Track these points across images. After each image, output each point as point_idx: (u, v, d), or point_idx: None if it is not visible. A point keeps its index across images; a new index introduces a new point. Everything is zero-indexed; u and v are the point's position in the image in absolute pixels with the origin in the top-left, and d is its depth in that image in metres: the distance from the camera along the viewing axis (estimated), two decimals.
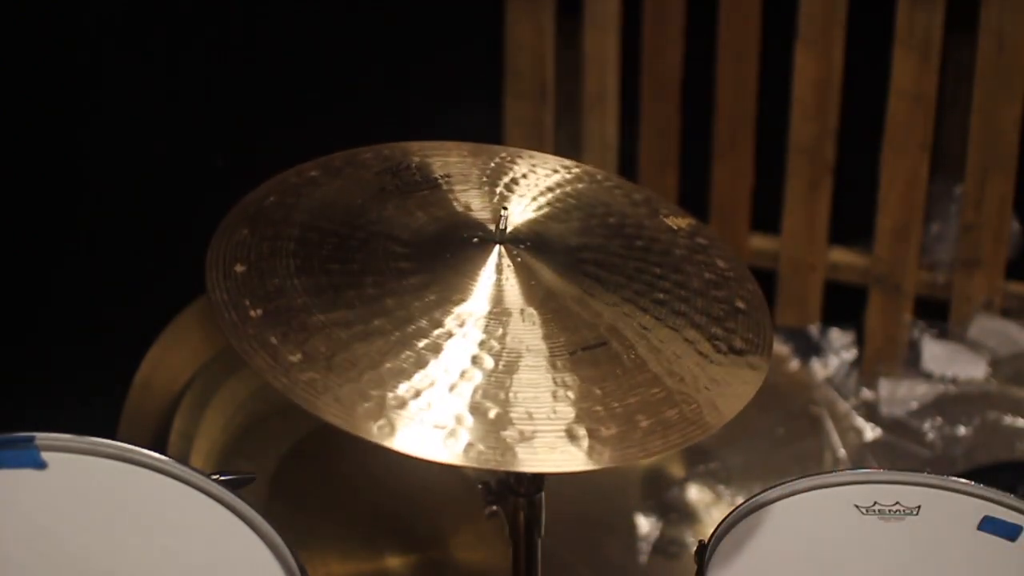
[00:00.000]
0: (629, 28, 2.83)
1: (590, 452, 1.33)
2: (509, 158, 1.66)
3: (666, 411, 1.38)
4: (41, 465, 1.42)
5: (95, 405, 1.99)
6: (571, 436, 1.34)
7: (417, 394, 1.34)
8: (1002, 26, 2.60)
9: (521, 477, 1.50)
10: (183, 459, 1.79)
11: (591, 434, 1.34)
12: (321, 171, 1.59)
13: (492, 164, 1.64)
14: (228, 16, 2.60)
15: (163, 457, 1.46)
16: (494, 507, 1.51)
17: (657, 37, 2.82)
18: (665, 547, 2.44)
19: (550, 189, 1.62)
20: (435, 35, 2.81)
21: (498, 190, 1.59)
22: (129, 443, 1.46)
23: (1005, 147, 2.66)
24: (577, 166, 1.68)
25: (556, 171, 1.65)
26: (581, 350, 1.41)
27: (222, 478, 1.45)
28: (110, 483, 1.43)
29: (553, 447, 1.33)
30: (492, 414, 1.34)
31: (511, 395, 1.36)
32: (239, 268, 1.43)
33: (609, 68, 2.86)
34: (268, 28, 2.68)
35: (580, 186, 1.64)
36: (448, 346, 1.39)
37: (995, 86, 2.64)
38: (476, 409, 1.34)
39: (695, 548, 1.49)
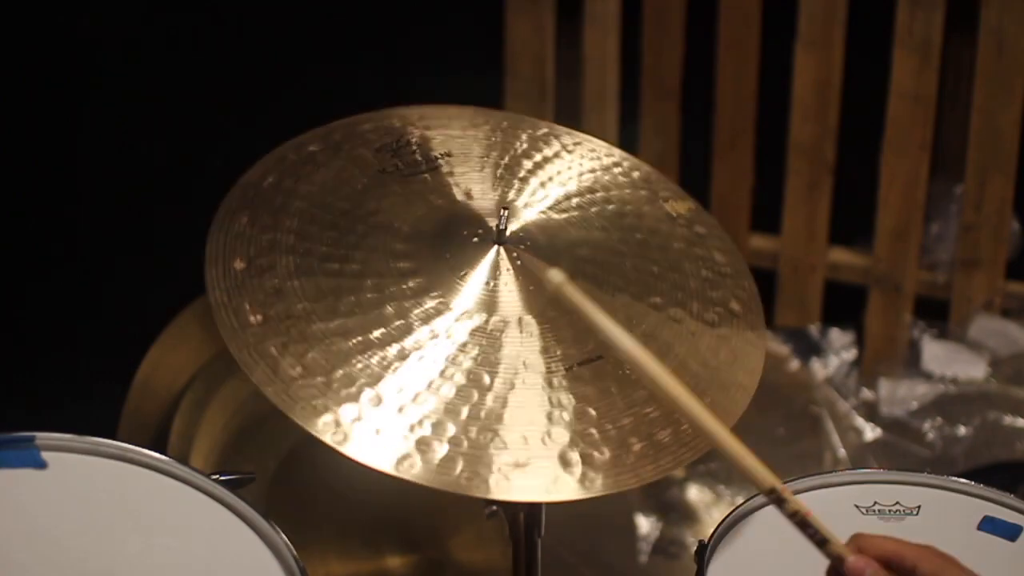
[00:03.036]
0: (629, 28, 2.83)
1: (582, 480, 1.33)
2: (510, 129, 1.63)
3: (659, 432, 1.38)
4: (41, 465, 1.42)
5: (95, 405, 1.99)
6: (564, 463, 1.33)
7: (415, 415, 1.33)
8: (1002, 26, 2.60)
9: None
10: (183, 459, 1.79)
11: (584, 460, 1.34)
12: (320, 145, 1.57)
13: (493, 138, 1.60)
14: (226, 22, 2.60)
15: (163, 457, 1.46)
16: (494, 507, 1.51)
17: (657, 37, 2.82)
18: (665, 547, 2.44)
19: (550, 172, 1.59)
20: (435, 35, 2.81)
21: (499, 171, 1.57)
22: (129, 443, 1.46)
23: (1005, 147, 2.66)
24: (579, 139, 1.65)
25: (557, 140, 1.63)
26: (577, 365, 1.40)
27: (222, 478, 1.45)
28: (110, 483, 1.43)
29: (546, 474, 1.32)
30: (487, 438, 1.33)
31: (507, 416, 1.35)
32: (239, 265, 1.42)
33: (609, 68, 2.86)
34: (268, 27, 2.68)
35: (582, 166, 1.61)
36: (446, 362, 1.38)
37: (995, 86, 2.64)
38: (471, 433, 1.33)
39: (695, 548, 1.49)
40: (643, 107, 2.88)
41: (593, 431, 1.36)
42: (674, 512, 2.48)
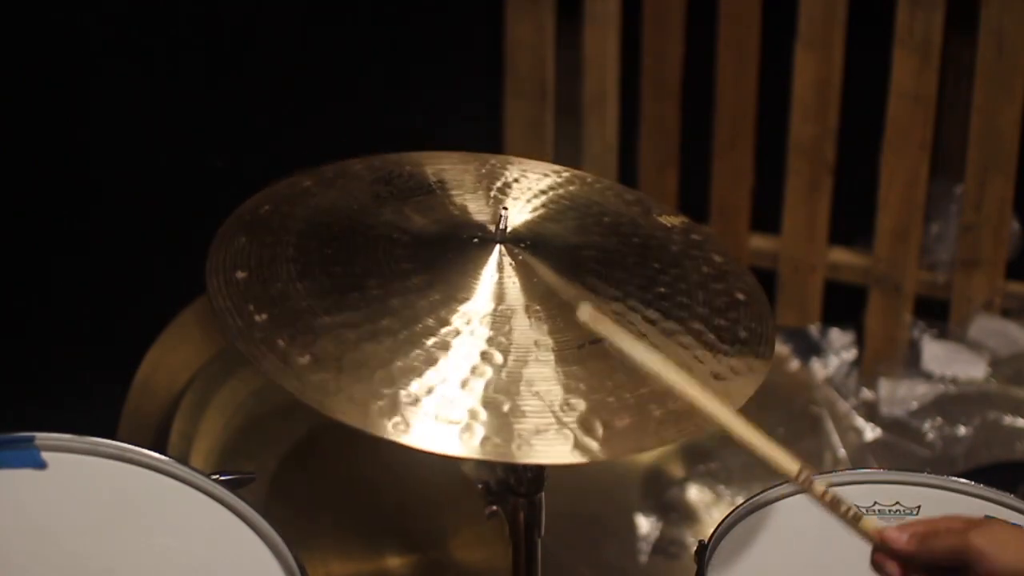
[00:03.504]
0: (629, 28, 2.83)
1: (605, 442, 1.33)
2: (499, 164, 1.66)
3: (677, 401, 1.38)
4: (41, 465, 1.42)
5: (95, 405, 1.99)
6: (586, 428, 1.34)
7: (430, 391, 1.34)
8: (1002, 26, 2.60)
9: (521, 477, 1.50)
10: (183, 459, 1.79)
11: (606, 425, 1.34)
12: (314, 180, 1.59)
13: (483, 170, 1.64)
14: (227, 23, 2.60)
15: (163, 457, 1.46)
16: (494, 507, 1.51)
17: (657, 37, 2.82)
18: (665, 547, 2.44)
19: (543, 192, 1.62)
20: (435, 35, 2.81)
21: (492, 194, 1.60)
22: (129, 443, 1.46)
23: (1005, 147, 2.66)
24: (567, 170, 1.68)
25: (547, 175, 1.66)
26: (589, 343, 1.41)
27: (222, 478, 1.45)
28: (110, 483, 1.43)
29: (568, 439, 1.33)
30: (506, 408, 1.34)
31: (523, 388, 1.36)
32: (240, 275, 1.43)
33: (609, 68, 2.86)
34: (268, 27, 2.68)
35: (572, 188, 1.64)
36: (456, 343, 1.39)
37: (995, 86, 2.64)
38: (489, 403, 1.34)
39: (695, 548, 1.49)
40: (643, 107, 2.88)
41: (612, 399, 1.36)
42: (674, 512, 2.48)
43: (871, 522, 1.24)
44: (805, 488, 1.26)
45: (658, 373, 1.28)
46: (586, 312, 1.30)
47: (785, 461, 1.26)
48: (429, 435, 1.31)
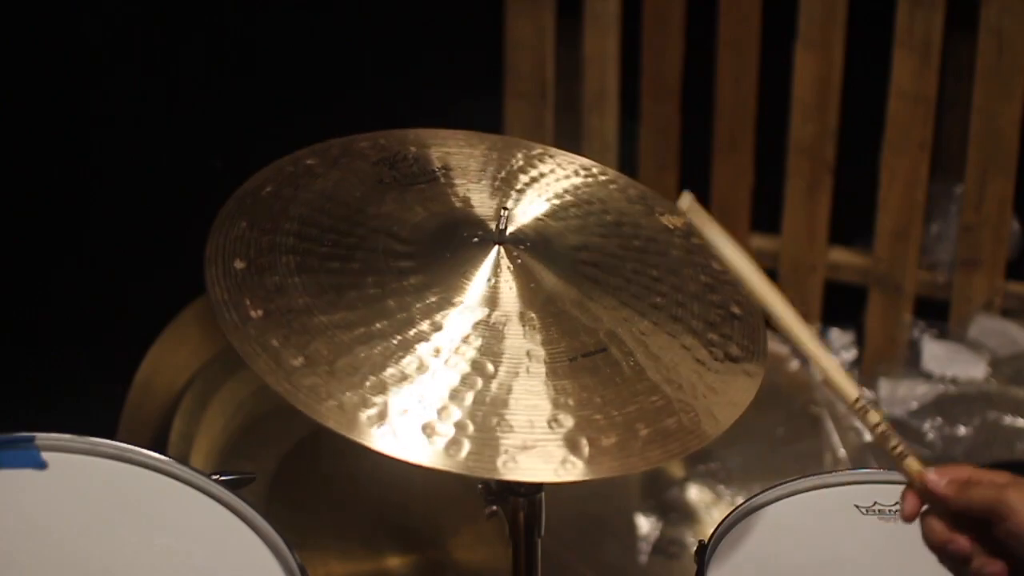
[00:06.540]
0: (629, 28, 2.83)
1: (590, 462, 1.33)
2: (506, 149, 1.65)
3: (665, 420, 1.38)
4: (41, 465, 1.42)
5: (95, 405, 1.99)
6: (572, 446, 1.34)
7: (419, 400, 1.34)
8: (1002, 26, 2.60)
9: None
10: (183, 459, 1.79)
11: (592, 443, 1.34)
12: (318, 159, 1.58)
13: (490, 155, 1.63)
14: (227, 25, 2.60)
15: (163, 457, 1.46)
16: (494, 507, 1.51)
17: (657, 37, 2.82)
18: (665, 547, 2.44)
19: (548, 185, 1.61)
20: (435, 35, 2.81)
21: (496, 183, 1.58)
22: (129, 443, 1.46)
23: (1005, 147, 2.66)
24: (575, 159, 1.66)
25: (552, 159, 1.64)
26: (581, 356, 1.41)
27: (222, 478, 1.45)
28: (110, 483, 1.43)
29: (554, 456, 1.33)
30: (494, 422, 1.33)
31: (512, 402, 1.35)
32: (239, 264, 1.43)
33: (609, 68, 2.86)
34: (267, 30, 2.68)
35: (577, 181, 1.63)
36: (449, 350, 1.38)
37: (995, 86, 2.64)
38: (477, 417, 1.33)
39: (695, 548, 1.49)
40: (643, 107, 2.88)
41: (599, 417, 1.36)
42: (674, 512, 2.48)
43: (915, 463, 1.26)
44: (860, 415, 1.27)
45: (745, 278, 1.32)
46: (687, 201, 1.33)
47: (847, 385, 1.28)
48: (415, 447, 1.31)
